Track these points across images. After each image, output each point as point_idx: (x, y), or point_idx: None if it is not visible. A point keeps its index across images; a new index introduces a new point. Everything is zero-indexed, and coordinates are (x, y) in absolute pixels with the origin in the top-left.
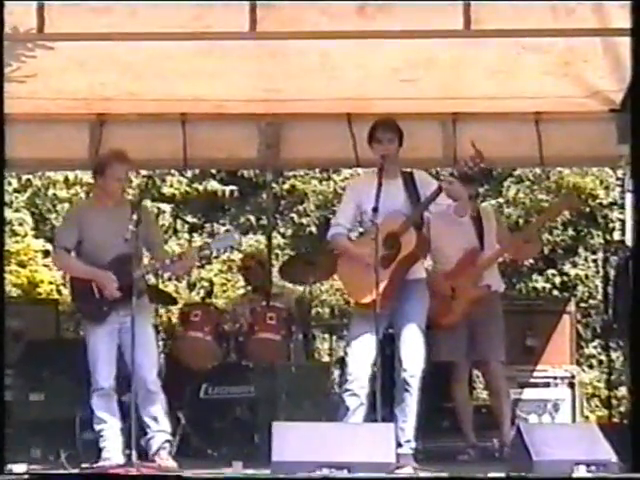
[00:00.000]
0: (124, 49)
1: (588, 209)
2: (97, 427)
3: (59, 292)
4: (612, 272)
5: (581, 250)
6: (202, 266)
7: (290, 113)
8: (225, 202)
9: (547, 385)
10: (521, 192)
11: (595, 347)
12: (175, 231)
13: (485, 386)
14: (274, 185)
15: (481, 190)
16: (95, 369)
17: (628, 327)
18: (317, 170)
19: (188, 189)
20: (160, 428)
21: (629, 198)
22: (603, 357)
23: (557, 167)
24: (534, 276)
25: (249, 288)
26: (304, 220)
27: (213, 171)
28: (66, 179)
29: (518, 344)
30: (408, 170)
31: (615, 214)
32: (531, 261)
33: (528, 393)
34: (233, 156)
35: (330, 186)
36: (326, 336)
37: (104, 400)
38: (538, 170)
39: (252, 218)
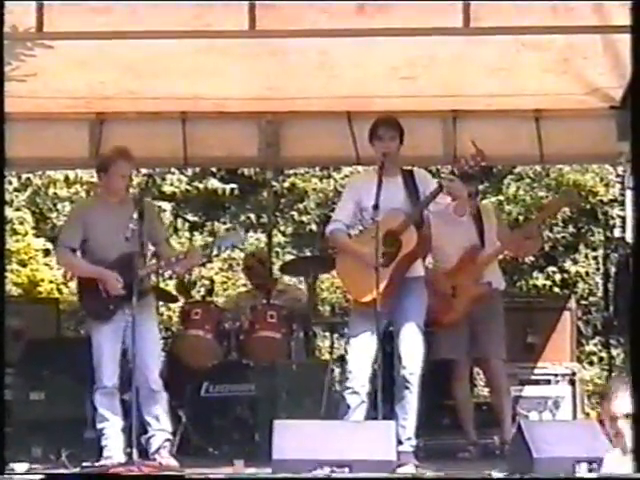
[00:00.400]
0: (124, 48)
1: (588, 206)
2: (99, 425)
3: (59, 291)
4: (612, 269)
5: (581, 247)
6: (203, 264)
7: (290, 111)
8: (225, 200)
9: (548, 382)
10: (521, 189)
11: (596, 344)
12: (175, 230)
13: (486, 383)
14: (274, 183)
15: (481, 187)
16: (99, 367)
17: (629, 324)
18: (317, 168)
19: (188, 187)
20: (161, 427)
21: (629, 195)
22: (604, 354)
23: (557, 164)
24: (534, 273)
25: (250, 286)
26: (304, 218)
27: (213, 169)
28: (66, 178)
29: (519, 341)
30: (408, 168)
31: (615, 211)
32: (531, 258)
33: (529, 390)
34: (233, 154)
35: (330, 184)
36: (327, 334)
37: (107, 398)
38: (538, 167)
39: (252, 216)
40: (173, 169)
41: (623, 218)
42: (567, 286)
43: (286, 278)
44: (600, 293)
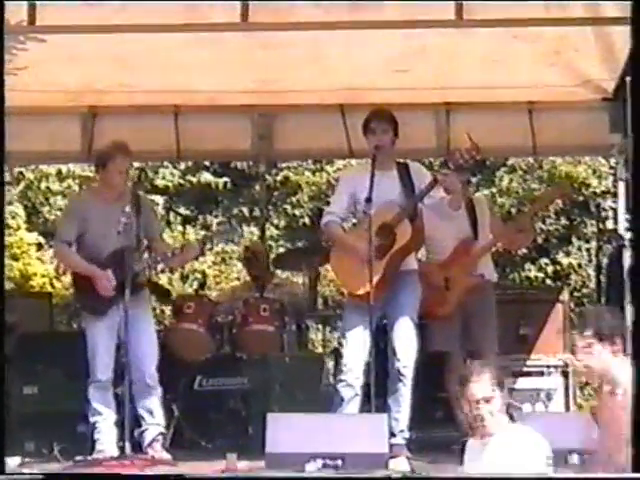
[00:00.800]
0: (115, 41)
1: (581, 198)
2: (92, 419)
3: (52, 285)
4: (605, 261)
5: (574, 239)
6: (196, 258)
7: (283, 104)
8: (218, 194)
9: (540, 374)
10: (514, 181)
11: None
12: (168, 223)
13: None
14: (267, 176)
15: (474, 180)
16: (93, 361)
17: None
18: (310, 161)
19: (181, 181)
20: (154, 421)
21: (622, 187)
22: None
23: (550, 156)
24: (527, 265)
25: (247, 279)
26: (297, 211)
27: (206, 163)
28: (59, 172)
29: (511, 333)
30: (403, 161)
31: (608, 203)
32: (524, 250)
33: (521, 382)
34: (226, 148)
35: (323, 177)
36: (320, 327)
37: (101, 392)
38: (531, 159)
39: (245, 210)
40: (166, 163)
41: (615, 210)
42: (560, 278)
43: (280, 271)
44: (593, 285)
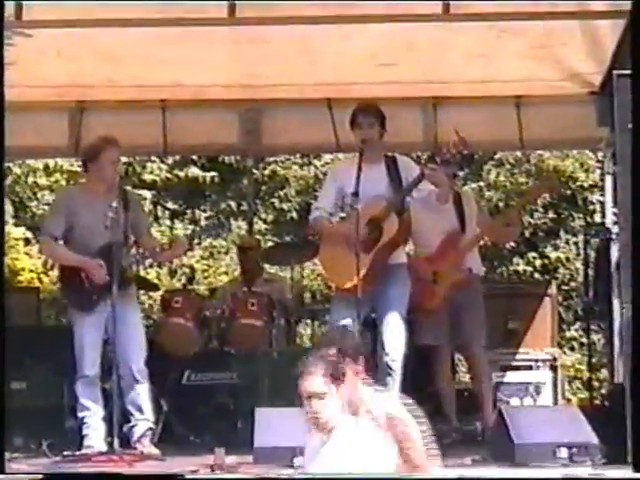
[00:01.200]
0: (103, 36)
1: (568, 192)
2: (80, 414)
3: (40, 280)
4: (592, 254)
5: (562, 233)
6: (184, 253)
7: (270, 99)
8: (206, 188)
9: (529, 368)
10: (502, 175)
11: (576, 329)
12: (156, 218)
13: (467, 370)
14: (255, 171)
15: (462, 174)
16: (81, 357)
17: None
18: (298, 155)
19: (169, 175)
20: (143, 416)
21: (609, 180)
22: (584, 339)
23: (537, 150)
24: (515, 259)
25: (236, 273)
26: (285, 205)
27: (194, 157)
28: (46, 167)
29: (500, 327)
30: (391, 155)
31: (595, 196)
32: (512, 244)
33: (510, 376)
34: (213, 142)
35: (311, 171)
36: (308, 321)
37: (88, 388)
38: (518, 153)
39: (233, 204)
40: (153, 157)
41: (603, 203)
42: (548, 272)
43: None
44: (581, 279)
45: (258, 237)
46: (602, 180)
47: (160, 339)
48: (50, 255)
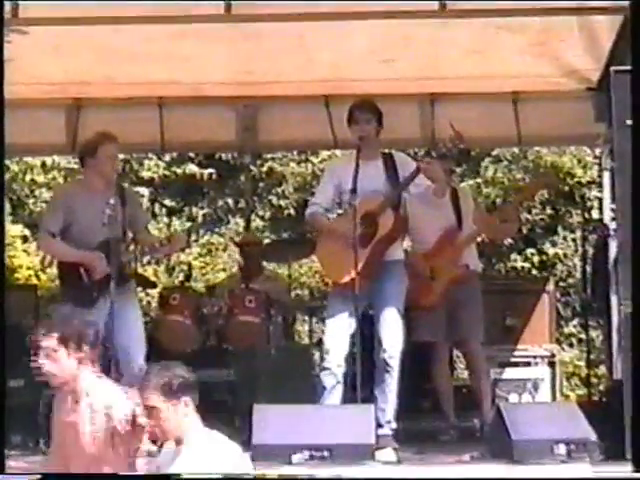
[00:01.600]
0: (99, 33)
1: (566, 188)
2: None
3: (38, 277)
4: (590, 250)
5: (560, 229)
6: (182, 249)
7: (267, 95)
8: (203, 185)
9: (527, 364)
10: (499, 172)
11: (575, 326)
12: (154, 215)
13: (465, 366)
14: (252, 167)
15: (459, 170)
16: None
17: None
18: (295, 152)
19: (166, 172)
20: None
21: (607, 176)
22: (583, 335)
23: (535, 146)
24: (513, 255)
25: (233, 270)
26: (282, 202)
27: (191, 154)
28: (43, 164)
29: (498, 324)
30: (388, 151)
31: (593, 192)
32: (510, 240)
33: (508, 372)
34: (211, 139)
35: (308, 168)
36: (305, 318)
37: None
38: (516, 149)
39: (230, 201)
40: (150, 154)
41: (600, 200)
42: (546, 268)
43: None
44: (579, 275)
45: (255, 234)
46: (600, 176)
47: (158, 336)
48: (49, 251)
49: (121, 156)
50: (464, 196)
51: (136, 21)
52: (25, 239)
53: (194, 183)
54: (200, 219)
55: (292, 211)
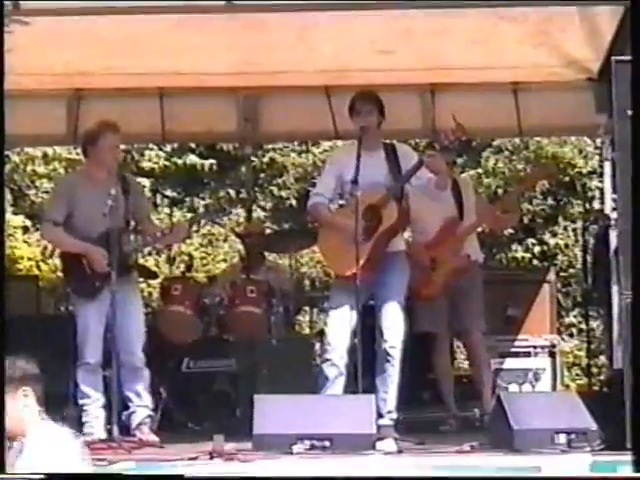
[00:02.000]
0: (100, 24)
1: (567, 178)
2: (81, 402)
3: (39, 268)
4: (591, 241)
5: (560, 219)
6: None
7: (268, 86)
8: (204, 176)
9: (528, 354)
10: (500, 162)
11: (575, 316)
12: (155, 205)
13: (466, 356)
14: (253, 158)
15: (460, 161)
16: (83, 344)
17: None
18: (296, 143)
19: (167, 163)
20: (142, 403)
21: (608, 167)
22: (583, 326)
23: (536, 137)
24: (514, 246)
25: (234, 260)
26: (284, 193)
27: (192, 145)
28: (45, 155)
29: (498, 314)
30: (390, 142)
31: (594, 183)
32: (511, 231)
33: (509, 362)
34: (212, 130)
35: (309, 159)
36: (307, 309)
37: (90, 375)
38: (517, 140)
39: (232, 192)
40: (152, 145)
41: (601, 190)
42: (546, 258)
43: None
44: (579, 265)
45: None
46: (601, 166)
47: (159, 327)
48: (52, 241)
49: (122, 147)
50: (465, 187)
51: (137, 11)
52: (26, 230)
53: (195, 174)
54: (201, 210)
55: (293, 201)
